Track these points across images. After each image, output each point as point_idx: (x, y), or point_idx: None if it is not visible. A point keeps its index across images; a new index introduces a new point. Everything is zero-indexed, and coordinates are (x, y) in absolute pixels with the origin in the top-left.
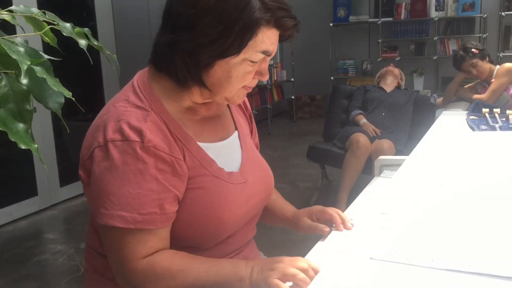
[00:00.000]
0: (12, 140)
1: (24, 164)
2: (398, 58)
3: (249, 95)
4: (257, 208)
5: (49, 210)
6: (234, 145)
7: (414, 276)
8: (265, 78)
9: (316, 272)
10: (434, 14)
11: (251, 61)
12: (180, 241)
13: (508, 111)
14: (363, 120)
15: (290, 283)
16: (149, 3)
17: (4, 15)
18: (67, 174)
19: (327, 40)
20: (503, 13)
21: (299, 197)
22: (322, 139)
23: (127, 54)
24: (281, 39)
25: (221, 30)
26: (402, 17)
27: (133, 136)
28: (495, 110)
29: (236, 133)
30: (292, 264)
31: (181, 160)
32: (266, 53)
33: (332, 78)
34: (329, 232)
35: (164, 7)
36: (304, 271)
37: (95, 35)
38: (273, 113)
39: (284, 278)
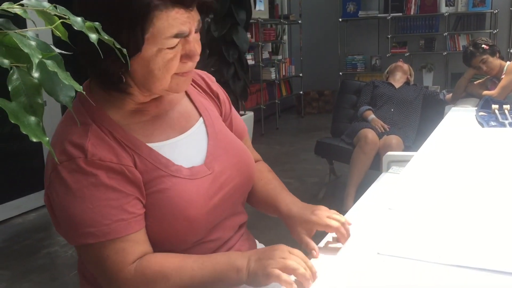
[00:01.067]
0: (24, 133)
1: (33, 157)
2: (407, 54)
3: (257, 90)
4: (233, 196)
5: None
6: (199, 135)
7: (421, 271)
8: (195, 60)
9: (312, 270)
10: (444, 9)
11: (169, 48)
12: (157, 246)
13: None
14: (371, 115)
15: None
16: None
17: (16, 9)
18: None
19: (336, 35)
20: None
21: (307, 192)
22: (330, 135)
23: None
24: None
25: (112, 32)
26: (412, 12)
27: (76, 153)
28: (505, 106)
29: (200, 120)
30: (290, 256)
31: (131, 167)
32: (180, 35)
33: (340, 73)
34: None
35: None
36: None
37: None
38: (281, 108)
39: (284, 270)
